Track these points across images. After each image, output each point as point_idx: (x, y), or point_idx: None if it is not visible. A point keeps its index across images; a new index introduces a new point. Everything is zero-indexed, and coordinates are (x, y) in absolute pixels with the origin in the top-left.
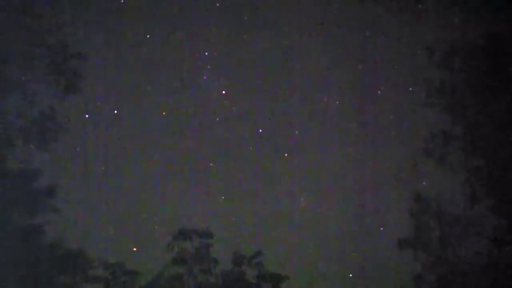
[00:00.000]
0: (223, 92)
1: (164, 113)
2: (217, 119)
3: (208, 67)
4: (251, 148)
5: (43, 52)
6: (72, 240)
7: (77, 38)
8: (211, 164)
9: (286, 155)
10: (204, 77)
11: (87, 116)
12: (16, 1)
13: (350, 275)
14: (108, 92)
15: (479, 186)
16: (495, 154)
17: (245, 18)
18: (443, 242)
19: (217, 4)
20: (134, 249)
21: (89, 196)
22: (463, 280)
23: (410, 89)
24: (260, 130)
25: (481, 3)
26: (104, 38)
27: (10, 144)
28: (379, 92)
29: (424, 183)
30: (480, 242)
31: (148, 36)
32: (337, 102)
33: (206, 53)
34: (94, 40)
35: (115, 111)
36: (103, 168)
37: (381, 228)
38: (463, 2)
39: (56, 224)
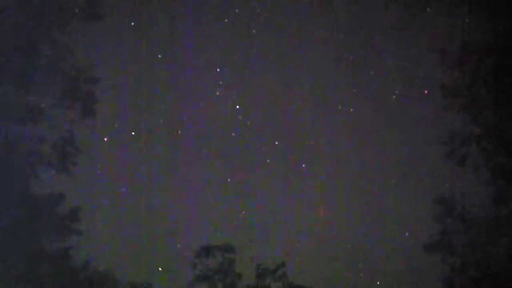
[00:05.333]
0: (237, 107)
1: (179, 132)
2: (233, 135)
3: (221, 83)
4: (268, 161)
5: (58, 78)
6: (99, 262)
7: (90, 62)
8: (229, 180)
9: (303, 165)
10: (217, 93)
11: (105, 139)
12: (32, 27)
13: (378, 283)
14: (124, 114)
15: (504, 185)
16: None
17: (254, 32)
18: (470, 244)
19: (226, 20)
20: (160, 268)
21: (112, 217)
22: (495, 282)
23: (425, 92)
24: (276, 143)
25: (489, 2)
26: (117, 61)
27: (33, 170)
28: (394, 96)
29: (446, 185)
30: (510, 242)
31: (160, 56)
32: (352, 110)
33: (218, 69)
34: (107, 63)
35: (132, 133)
36: (123, 190)
37: (406, 234)
38: (471, 2)
39: (82, 247)
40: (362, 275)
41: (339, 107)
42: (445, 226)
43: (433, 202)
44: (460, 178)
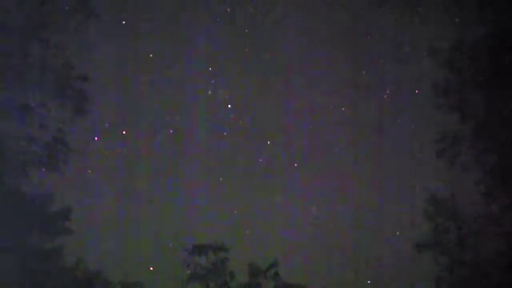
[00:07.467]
0: (229, 106)
1: (171, 131)
2: (225, 133)
3: (212, 81)
4: (260, 160)
5: (49, 76)
6: (90, 262)
7: (82, 61)
8: (221, 179)
9: (296, 165)
10: (209, 92)
11: (96, 138)
12: (23, 26)
13: (368, 281)
14: (115, 113)
15: (495, 184)
16: (508, 151)
17: (246, 31)
18: (461, 243)
19: (218, 19)
20: (151, 268)
21: (103, 217)
22: (486, 281)
23: (416, 91)
24: (269, 142)
25: (480, 2)
26: (108, 60)
27: (23, 169)
28: (385, 96)
29: (437, 184)
30: (501, 241)
31: (151, 55)
32: (343, 109)
33: (209, 68)
34: (98, 61)
35: (123, 132)
36: (115, 189)
37: (397, 233)
38: (462, 1)
39: (73, 247)
40: (353, 274)
41: (331, 107)
42: (436, 225)
43: (425, 201)
44: (451, 177)
